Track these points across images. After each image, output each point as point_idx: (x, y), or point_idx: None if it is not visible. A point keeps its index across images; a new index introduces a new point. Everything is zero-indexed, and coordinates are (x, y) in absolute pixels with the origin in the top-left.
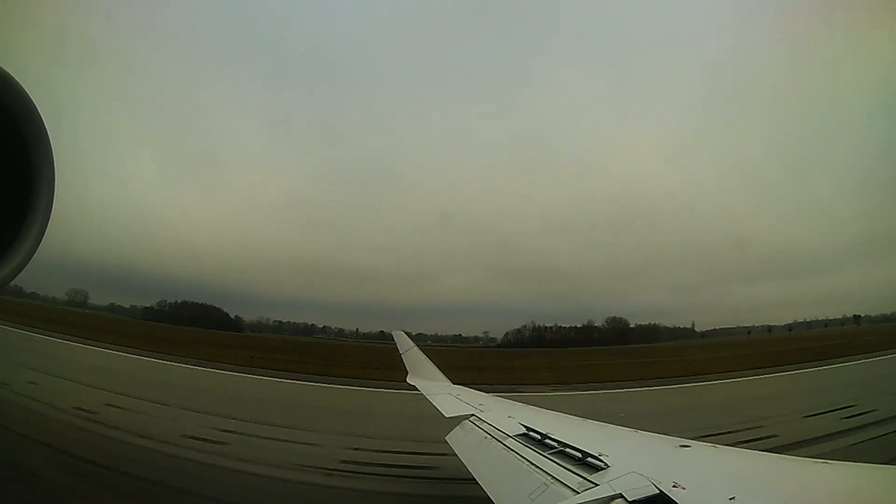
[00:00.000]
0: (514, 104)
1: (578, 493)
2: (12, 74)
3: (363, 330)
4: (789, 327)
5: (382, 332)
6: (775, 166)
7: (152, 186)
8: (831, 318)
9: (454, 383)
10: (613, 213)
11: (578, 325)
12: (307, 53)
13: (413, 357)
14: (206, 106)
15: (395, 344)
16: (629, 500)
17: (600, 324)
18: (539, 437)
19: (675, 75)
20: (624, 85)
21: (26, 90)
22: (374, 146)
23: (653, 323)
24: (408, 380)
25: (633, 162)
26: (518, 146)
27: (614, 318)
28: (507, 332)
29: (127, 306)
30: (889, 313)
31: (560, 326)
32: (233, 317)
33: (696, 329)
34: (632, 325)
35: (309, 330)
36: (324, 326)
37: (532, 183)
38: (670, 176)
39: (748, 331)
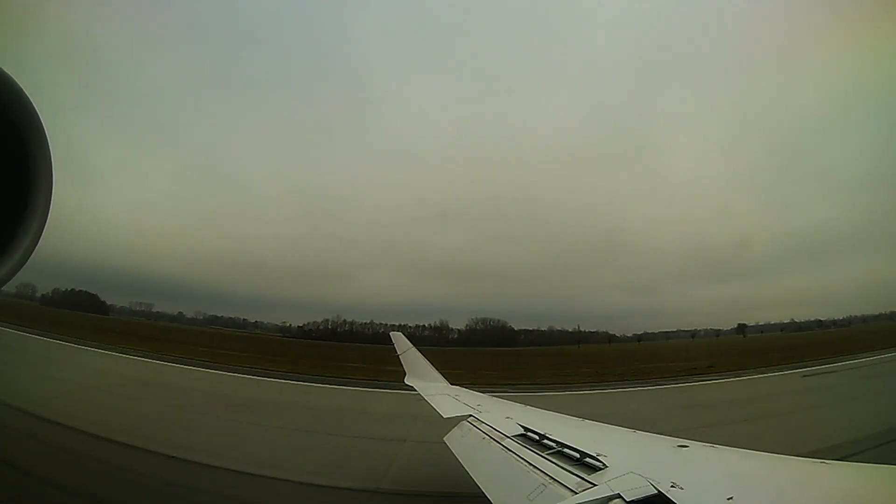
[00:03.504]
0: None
1: (576, 493)
2: (11, 75)
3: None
4: (718, 332)
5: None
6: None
7: (152, 186)
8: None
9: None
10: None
11: (431, 325)
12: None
13: (411, 358)
14: (206, 107)
15: (393, 345)
16: (627, 500)
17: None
18: (537, 437)
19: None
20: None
21: (24, 90)
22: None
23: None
24: (406, 380)
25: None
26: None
27: (485, 319)
28: (305, 323)
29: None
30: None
31: (374, 322)
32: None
33: (614, 333)
34: (517, 329)
35: (240, 324)
36: (256, 322)
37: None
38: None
39: (667, 336)
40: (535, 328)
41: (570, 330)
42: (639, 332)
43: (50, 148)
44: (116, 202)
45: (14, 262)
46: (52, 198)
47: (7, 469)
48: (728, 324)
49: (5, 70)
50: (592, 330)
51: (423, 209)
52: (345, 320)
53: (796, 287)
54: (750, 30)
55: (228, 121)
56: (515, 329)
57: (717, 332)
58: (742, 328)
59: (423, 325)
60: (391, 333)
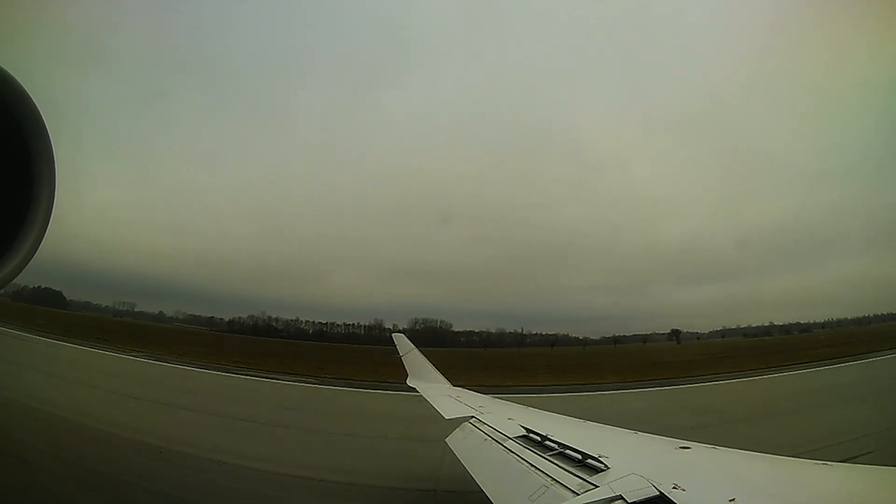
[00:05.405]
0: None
1: (578, 494)
2: (13, 75)
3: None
4: (645, 339)
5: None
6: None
7: (154, 186)
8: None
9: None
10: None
11: (365, 324)
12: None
13: (412, 359)
14: (209, 107)
15: (395, 346)
16: (629, 501)
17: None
18: (539, 438)
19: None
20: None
21: (27, 91)
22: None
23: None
24: (408, 381)
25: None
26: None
27: (426, 319)
28: (231, 319)
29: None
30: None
31: (299, 318)
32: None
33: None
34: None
35: (216, 322)
36: (230, 320)
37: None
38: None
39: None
40: (483, 330)
41: (521, 333)
42: (587, 337)
43: (53, 148)
44: (111, 203)
45: (15, 263)
46: (55, 198)
47: None
48: (665, 328)
49: (7, 70)
50: (552, 333)
51: (368, 208)
52: (270, 316)
53: (774, 289)
54: (732, 23)
55: (220, 120)
56: (456, 330)
57: (645, 339)
58: (676, 334)
59: (354, 324)
60: (393, 335)
